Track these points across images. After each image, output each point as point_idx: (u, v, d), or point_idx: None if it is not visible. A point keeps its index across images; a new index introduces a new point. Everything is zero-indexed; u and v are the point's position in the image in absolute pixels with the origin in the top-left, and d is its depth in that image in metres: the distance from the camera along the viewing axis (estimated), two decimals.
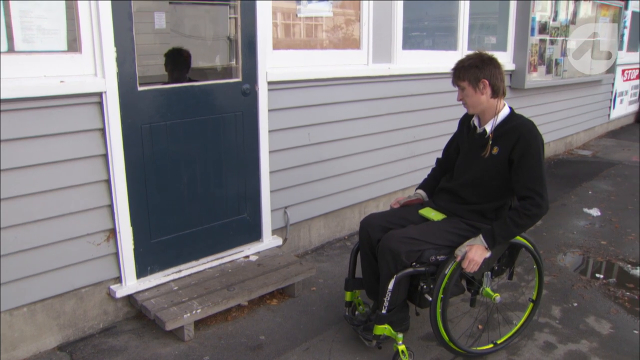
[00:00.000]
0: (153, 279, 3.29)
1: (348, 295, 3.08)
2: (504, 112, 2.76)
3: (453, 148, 3.11)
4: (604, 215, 5.38)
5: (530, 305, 3.13)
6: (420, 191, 3.20)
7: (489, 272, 2.90)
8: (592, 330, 3.27)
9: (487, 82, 2.67)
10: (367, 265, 3.00)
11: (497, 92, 2.70)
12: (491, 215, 2.82)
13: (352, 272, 3.08)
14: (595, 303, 3.59)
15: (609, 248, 4.55)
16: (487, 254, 2.66)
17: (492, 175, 2.76)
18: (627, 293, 3.73)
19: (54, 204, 2.82)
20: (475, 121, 2.88)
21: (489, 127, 2.77)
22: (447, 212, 2.92)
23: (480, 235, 2.67)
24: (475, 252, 2.62)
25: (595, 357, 2.98)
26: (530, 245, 2.94)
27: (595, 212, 5.47)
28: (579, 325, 3.31)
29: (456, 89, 2.79)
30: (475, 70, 2.67)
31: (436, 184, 3.17)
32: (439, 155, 3.24)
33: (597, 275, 4.05)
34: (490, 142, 2.75)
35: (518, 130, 2.67)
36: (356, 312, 3.14)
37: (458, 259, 2.65)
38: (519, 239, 2.87)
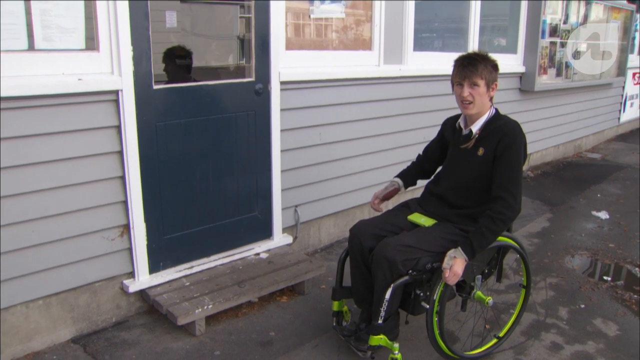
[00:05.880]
0: (165, 275, 3.34)
1: (336, 305, 2.98)
2: (491, 112, 2.78)
3: (431, 150, 3.14)
4: (613, 219, 5.39)
5: (523, 291, 3.12)
6: (396, 179, 3.19)
7: (480, 276, 2.87)
8: (599, 331, 3.29)
9: (496, 84, 2.73)
10: (358, 273, 2.88)
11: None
12: None
13: (339, 281, 2.98)
14: (602, 305, 3.61)
15: (617, 251, 4.57)
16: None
17: (479, 176, 2.74)
18: (635, 296, 3.74)
19: (70, 199, 2.87)
20: (462, 123, 2.88)
21: (475, 128, 2.77)
22: (437, 217, 2.86)
23: (460, 249, 2.59)
24: (458, 266, 2.54)
25: (601, 358, 3.01)
26: (510, 241, 2.90)
27: (603, 215, 5.48)
28: (586, 327, 3.34)
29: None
30: (491, 71, 2.70)
31: (412, 177, 3.20)
32: None
33: (605, 277, 4.07)
34: (475, 139, 2.75)
35: (503, 128, 2.69)
36: (343, 322, 3.05)
37: (446, 273, 2.57)
38: (502, 239, 2.83)
